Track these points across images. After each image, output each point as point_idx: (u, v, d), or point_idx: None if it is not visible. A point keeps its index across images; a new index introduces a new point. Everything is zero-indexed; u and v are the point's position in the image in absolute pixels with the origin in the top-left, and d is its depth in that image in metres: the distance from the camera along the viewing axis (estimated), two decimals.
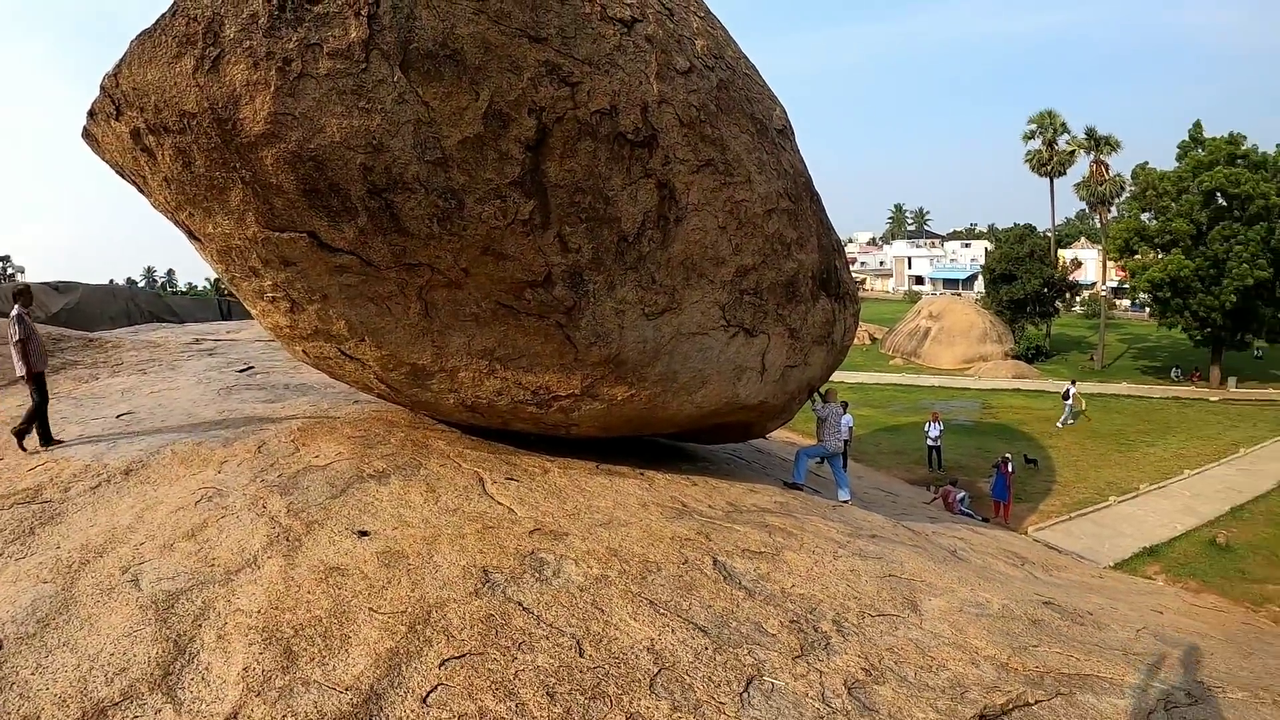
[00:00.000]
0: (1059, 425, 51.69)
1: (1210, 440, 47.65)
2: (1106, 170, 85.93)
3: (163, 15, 7.98)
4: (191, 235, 10.13)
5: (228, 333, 27.27)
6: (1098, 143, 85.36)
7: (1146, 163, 74.46)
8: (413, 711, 5.77)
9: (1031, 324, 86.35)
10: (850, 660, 7.24)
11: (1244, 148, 67.36)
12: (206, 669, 6.20)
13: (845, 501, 16.39)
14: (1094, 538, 30.15)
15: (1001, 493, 31.78)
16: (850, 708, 6.42)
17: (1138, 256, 71.25)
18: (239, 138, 8.21)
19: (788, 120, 13.68)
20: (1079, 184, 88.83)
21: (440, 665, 6.33)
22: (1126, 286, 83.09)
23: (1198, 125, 71.44)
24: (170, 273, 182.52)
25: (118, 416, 13.83)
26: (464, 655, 6.50)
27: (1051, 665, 7.62)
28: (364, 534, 8.80)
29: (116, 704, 5.76)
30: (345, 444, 11.94)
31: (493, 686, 6.10)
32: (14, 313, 12.14)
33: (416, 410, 13.31)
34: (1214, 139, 69.06)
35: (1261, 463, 41.78)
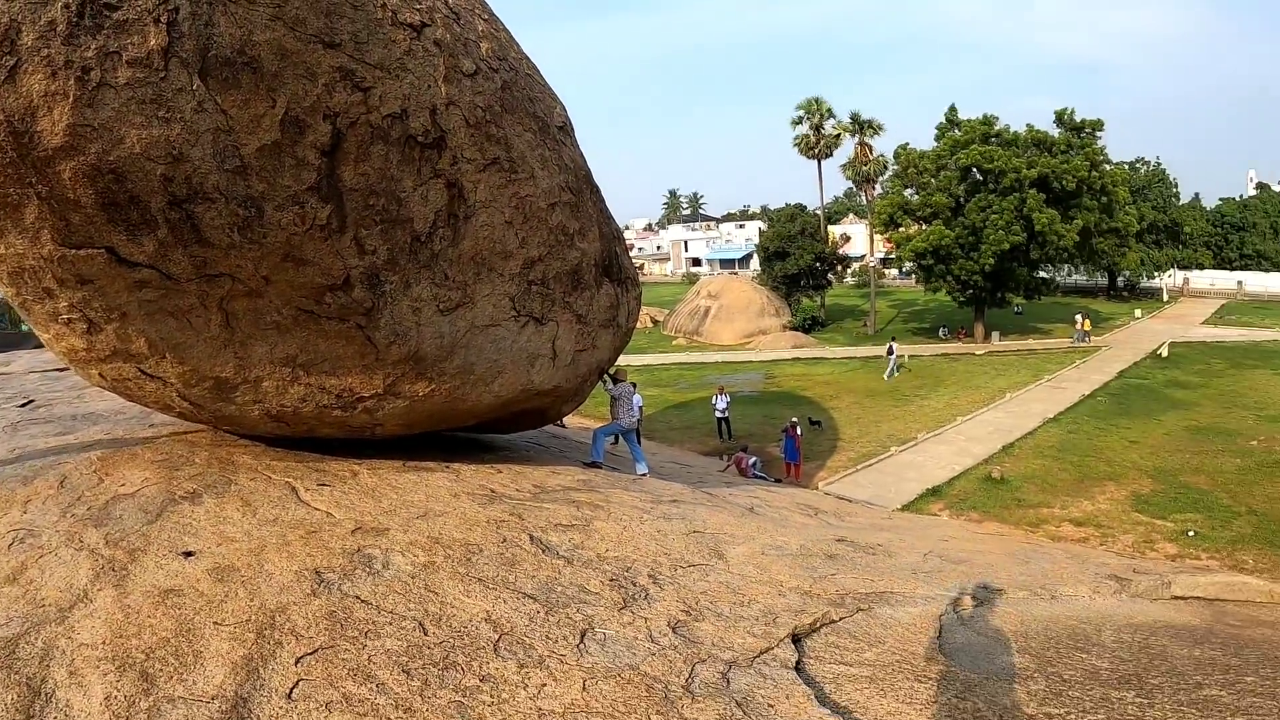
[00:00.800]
0: (886, 378, 56.83)
1: (979, 389, 51.85)
2: (870, 151, 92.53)
3: None
4: None
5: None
6: (861, 126, 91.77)
7: (908, 143, 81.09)
8: (280, 708, 6.00)
9: (807, 297, 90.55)
10: (670, 605, 7.85)
11: (996, 127, 74.26)
12: (67, 706, 6.14)
13: (644, 475, 17.05)
14: (880, 485, 32.60)
15: (792, 454, 33.88)
16: (677, 643, 7.04)
17: (902, 229, 77.21)
18: (36, 151, 7.92)
19: (568, 117, 14.21)
20: (845, 165, 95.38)
21: (296, 663, 6.56)
22: (893, 257, 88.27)
23: (953, 109, 79.19)
24: None
25: None
26: (316, 650, 6.74)
27: (849, 588, 8.44)
28: (189, 554, 8.74)
29: None
30: (150, 469, 11.67)
31: (350, 674, 6.40)
32: None
33: (219, 426, 13.13)
34: (969, 120, 76.38)
35: (1026, 404, 46.70)
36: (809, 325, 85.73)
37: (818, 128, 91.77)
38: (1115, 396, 49.23)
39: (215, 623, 7.24)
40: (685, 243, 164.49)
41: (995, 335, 73.61)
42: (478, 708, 6.03)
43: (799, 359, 68.72)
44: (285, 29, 8.49)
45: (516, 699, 6.15)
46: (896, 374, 58.10)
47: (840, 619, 7.57)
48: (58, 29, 7.52)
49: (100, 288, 9.28)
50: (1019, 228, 67.94)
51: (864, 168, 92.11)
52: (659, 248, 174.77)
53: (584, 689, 6.29)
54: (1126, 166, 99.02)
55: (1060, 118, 76.22)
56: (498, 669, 6.56)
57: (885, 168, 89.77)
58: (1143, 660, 6.84)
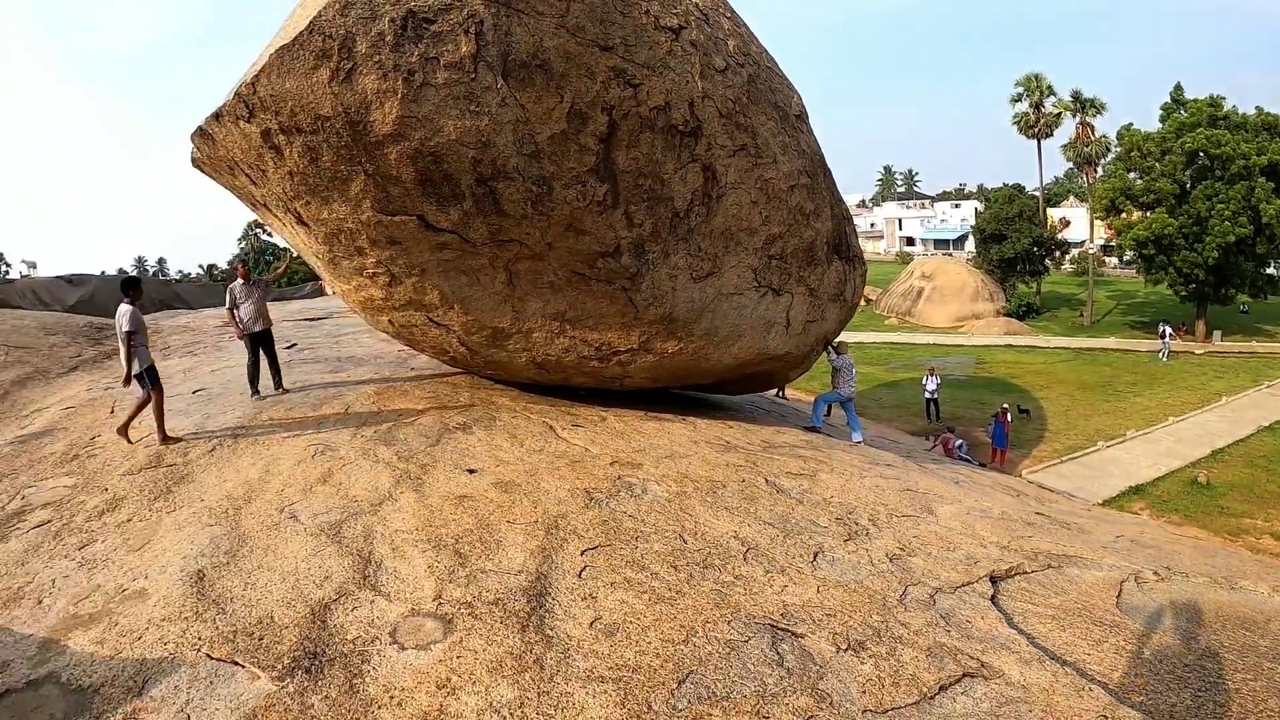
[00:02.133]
0: (1162, 360, 57.12)
1: (1194, 390, 49.31)
2: (1092, 131, 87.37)
3: (300, 33, 9.36)
4: (300, 220, 11.66)
5: None
6: (1083, 105, 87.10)
7: (1131, 124, 75.77)
8: (573, 583, 7.58)
9: (1022, 282, 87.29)
10: (887, 542, 9.05)
11: (1224, 110, 68.93)
12: (395, 571, 7.86)
13: (859, 442, 18.05)
14: (1083, 479, 31.76)
15: (1000, 440, 33.64)
16: (893, 569, 8.29)
17: (1124, 215, 72.42)
18: (368, 137, 9.82)
19: (804, 106, 15.34)
20: (1066, 145, 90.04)
21: (581, 554, 8.16)
22: (1113, 244, 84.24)
23: (1178, 88, 73.04)
24: (161, 261, 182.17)
25: (194, 392, 15.17)
26: (597, 546, 8.33)
27: (1043, 548, 9.35)
28: (472, 471, 10.50)
29: (335, 600, 7.33)
30: (421, 404, 13.62)
31: (627, 564, 7.96)
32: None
33: (483, 372, 14.96)
34: (1195, 100, 70.55)
35: (1242, 410, 43.61)
36: (1023, 312, 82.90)
37: (1037, 105, 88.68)
38: None
39: (508, 521, 8.92)
40: (899, 221, 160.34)
41: (1217, 334, 69.13)
42: (734, 596, 7.45)
43: (1011, 346, 67.06)
44: (568, 35, 10.07)
45: (764, 593, 7.56)
46: (1165, 359, 57.33)
47: (1032, 570, 8.54)
48: (386, 39, 9.39)
49: (406, 248, 11.20)
50: (1246, 219, 63.38)
51: (1085, 149, 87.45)
52: (872, 225, 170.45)
53: (817, 591, 7.65)
54: None
55: None
56: (747, 571, 7.99)
57: (1108, 149, 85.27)
58: None
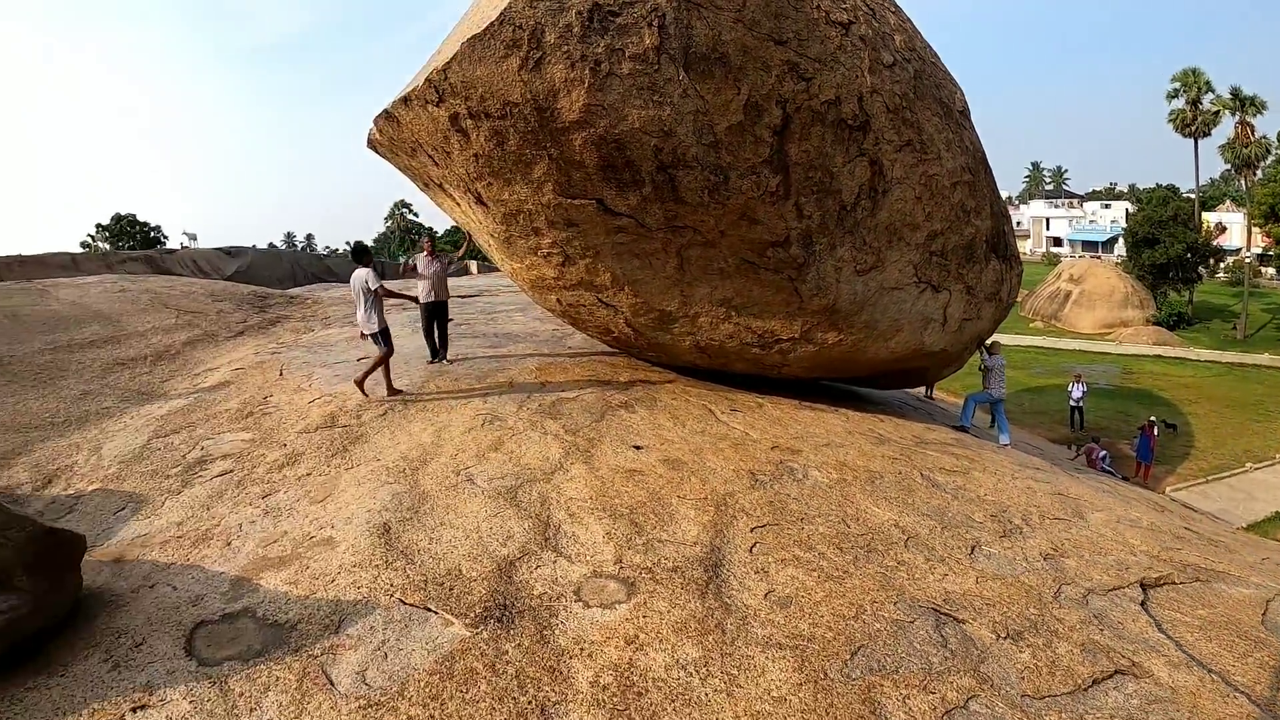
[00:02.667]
0: None
1: None
2: (1252, 132, 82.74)
3: (491, 23, 9.87)
4: (479, 201, 12.21)
5: (397, 290, 28.91)
6: (1243, 103, 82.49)
7: None
8: (745, 558, 8.01)
9: (1174, 290, 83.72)
10: (1040, 543, 9.17)
11: None
12: (574, 535, 8.36)
13: (1005, 445, 17.97)
14: (1229, 500, 30.83)
15: (1145, 454, 32.78)
16: (1047, 568, 8.45)
17: None
18: (554, 123, 10.31)
19: (966, 102, 15.37)
20: (1223, 145, 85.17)
21: (751, 530, 8.58)
22: (1272, 254, 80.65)
23: None
24: (309, 237, 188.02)
25: (358, 360, 15.76)
26: (765, 525, 8.74)
27: (1191, 561, 9.33)
28: (638, 448, 10.95)
29: (519, 558, 7.87)
30: (582, 381, 14.19)
31: (795, 543, 8.35)
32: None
33: (646, 353, 15.39)
34: None
35: None
36: (1173, 322, 78.90)
37: (1194, 102, 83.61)
38: None
39: (679, 497, 9.35)
40: (1046, 220, 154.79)
41: None
42: (898, 579, 7.78)
43: (1161, 357, 64.52)
44: (745, 29, 10.40)
45: (926, 579, 7.86)
46: None
47: (1180, 581, 8.57)
48: (574, 30, 9.84)
49: (583, 230, 11.69)
50: None
51: (1244, 150, 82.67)
52: (1019, 224, 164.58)
53: (976, 582, 7.91)
54: None
55: None
56: (909, 558, 8.29)
57: (1268, 151, 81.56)
58: None
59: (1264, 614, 7.90)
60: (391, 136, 12.49)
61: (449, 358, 15.63)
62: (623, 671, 6.19)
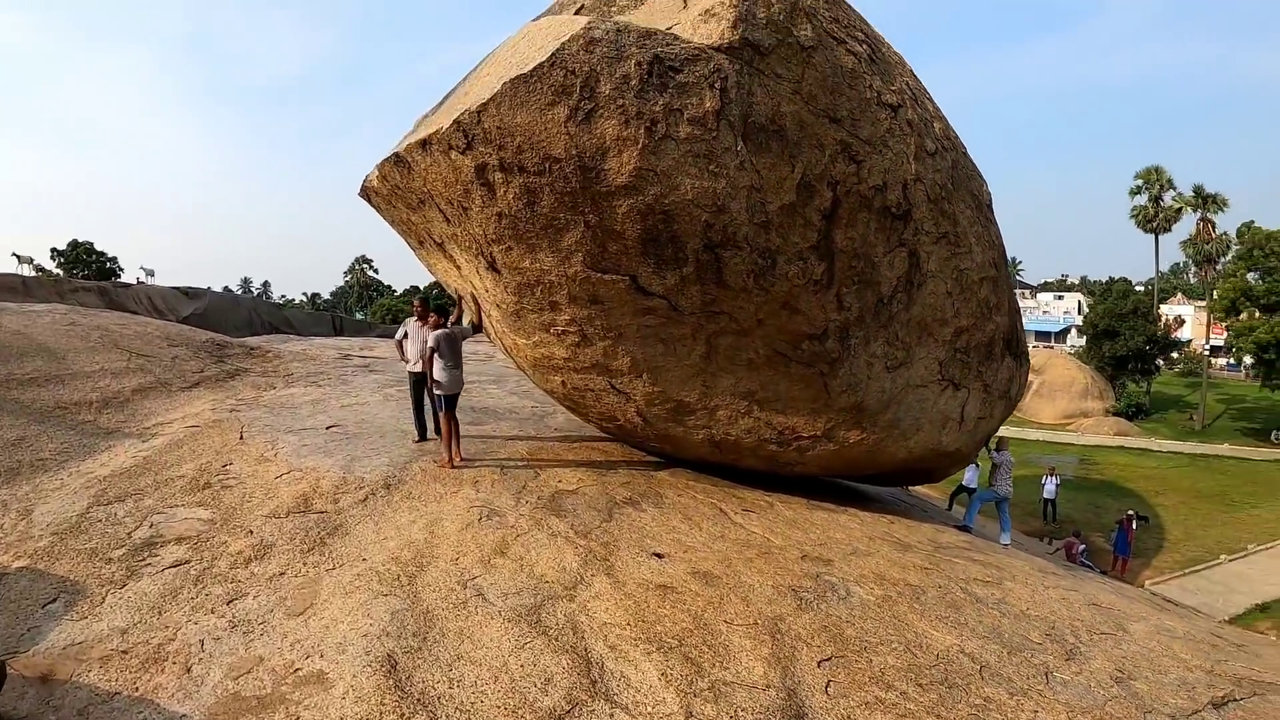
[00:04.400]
0: None
1: None
2: (1213, 228, 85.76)
3: (540, 64, 8.72)
4: (492, 266, 11.08)
5: (359, 349, 27.82)
6: (1205, 200, 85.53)
7: (1253, 222, 75.91)
8: (824, 702, 7.14)
9: (1132, 381, 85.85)
10: (1103, 664, 8.67)
11: None
12: (624, 677, 7.28)
13: (1007, 545, 17.32)
14: (1208, 593, 31.32)
15: (1124, 548, 33.28)
16: (1123, 694, 7.99)
17: (1243, 316, 71.32)
18: (598, 185, 9.26)
19: (991, 195, 14.86)
20: (1185, 241, 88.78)
21: (818, 666, 7.70)
22: (1224, 345, 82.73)
23: None
24: (266, 285, 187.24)
25: (327, 428, 14.70)
26: (831, 658, 7.86)
27: (1241, 674, 9.13)
28: (659, 556, 10.05)
29: (569, 711, 6.69)
30: (579, 471, 13.22)
31: (870, 681, 7.51)
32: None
33: (650, 443, 14.40)
34: None
35: None
36: (1133, 412, 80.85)
37: (1157, 199, 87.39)
38: None
39: (725, 622, 8.41)
40: None
41: None
42: (995, 717, 7.16)
43: (1124, 448, 65.30)
44: (802, 103, 9.75)
45: (1019, 716, 7.24)
46: None
47: (1241, 697, 8.39)
48: (631, 83, 8.84)
49: (608, 309, 10.74)
50: None
51: (1206, 246, 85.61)
52: None
53: (1070, 716, 7.33)
54: None
55: None
56: (993, 693, 7.60)
57: (1228, 247, 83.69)
58: None
59: None
60: (396, 185, 11.40)
61: (430, 435, 14.43)
62: None
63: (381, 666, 7.11)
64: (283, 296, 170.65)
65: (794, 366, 11.45)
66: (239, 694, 6.80)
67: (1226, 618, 27.62)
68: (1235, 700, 8.26)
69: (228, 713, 6.56)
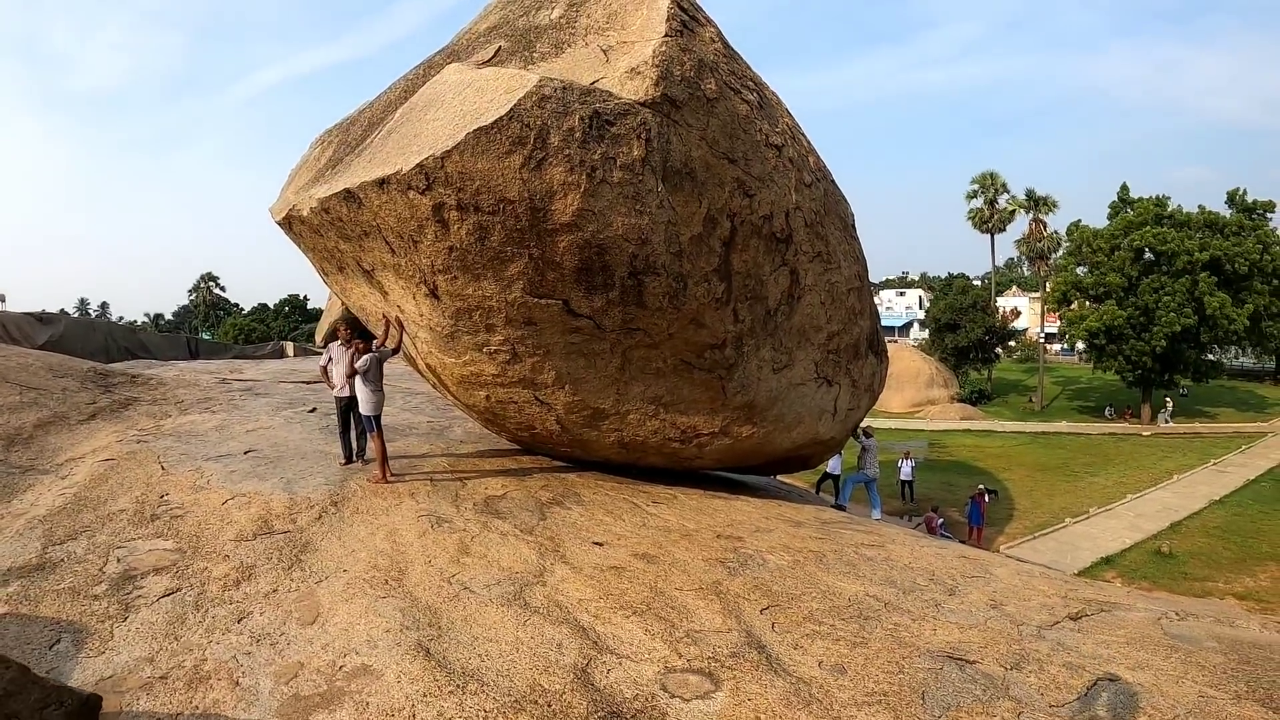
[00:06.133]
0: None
1: (1147, 469, 53.04)
2: (1045, 228, 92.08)
3: (501, 118, 9.75)
4: (433, 293, 11.93)
5: (230, 372, 27.97)
6: (1036, 203, 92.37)
7: (1080, 220, 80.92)
8: (775, 636, 8.83)
9: (974, 369, 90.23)
10: (979, 597, 10.42)
11: (1169, 208, 74.40)
12: (617, 636, 8.62)
13: (878, 520, 19.40)
14: (1056, 553, 34.54)
15: (977, 519, 36.07)
16: (998, 615, 9.73)
17: (1074, 307, 76.53)
18: (545, 224, 10.51)
19: (854, 217, 17.03)
20: (1019, 240, 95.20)
21: (760, 613, 9.38)
22: (1058, 332, 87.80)
23: (1125, 188, 79.12)
24: (104, 305, 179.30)
25: (245, 453, 15.00)
26: (769, 607, 9.54)
27: (1090, 597, 10.81)
28: (599, 544, 11.45)
29: (586, 664, 8.02)
30: (500, 478, 14.34)
31: (805, 619, 9.24)
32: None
33: (561, 449, 15.60)
34: (1141, 200, 76.15)
35: (1193, 486, 48.01)
36: (976, 398, 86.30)
37: (992, 202, 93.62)
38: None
39: (676, 589, 9.96)
40: None
41: (1161, 416, 73.25)
42: (905, 637, 8.87)
43: (970, 430, 69.90)
44: (708, 147, 11.45)
45: (924, 634, 8.98)
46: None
47: (1093, 613, 9.99)
48: (575, 135, 10.14)
49: (540, 329, 12.02)
50: (1190, 310, 68.18)
51: (1038, 244, 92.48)
52: None
53: (960, 631, 9.09)
54: None
55: (1232, 198, 76.87)
56: (900, 620, 9.35)
57: (1058, 244, 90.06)
58: None
59: (1161, 628, 9.53)
60: (340, 217, 11.91)
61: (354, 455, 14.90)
62: None
63: (419, 653, 7.92)
64: (121, 317, 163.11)
65: (696, 373, 13.07)
66: (299, 694, 7.29)
67: (1075, 571, 30.46)
68: (1088, 615, 9.80)
69: (298, 711, 7.06)
